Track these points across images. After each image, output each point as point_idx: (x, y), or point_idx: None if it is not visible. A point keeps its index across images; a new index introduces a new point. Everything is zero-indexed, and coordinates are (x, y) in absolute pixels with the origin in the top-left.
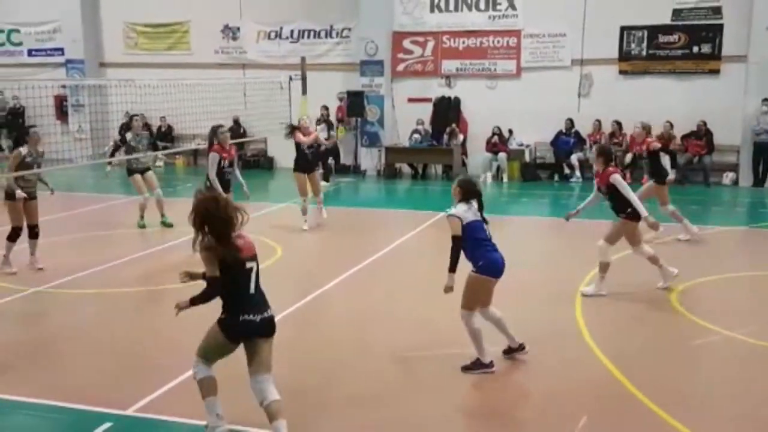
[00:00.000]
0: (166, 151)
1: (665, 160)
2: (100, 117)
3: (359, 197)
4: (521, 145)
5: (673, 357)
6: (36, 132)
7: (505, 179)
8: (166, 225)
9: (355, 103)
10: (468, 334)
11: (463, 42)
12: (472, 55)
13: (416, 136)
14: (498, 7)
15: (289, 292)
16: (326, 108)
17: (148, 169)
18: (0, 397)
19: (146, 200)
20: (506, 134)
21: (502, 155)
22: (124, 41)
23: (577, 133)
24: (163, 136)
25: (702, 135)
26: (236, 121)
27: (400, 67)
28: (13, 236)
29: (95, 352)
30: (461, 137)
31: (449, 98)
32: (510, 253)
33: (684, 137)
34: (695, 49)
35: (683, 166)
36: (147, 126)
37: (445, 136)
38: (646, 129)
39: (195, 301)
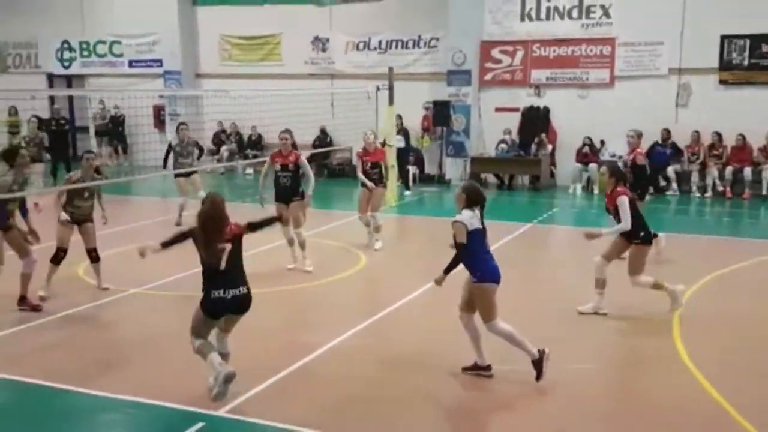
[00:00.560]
0: (255, 160)
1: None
2: (194, 126)
3: (444, 207)
4: (613, 156)
5: None
6: (91, 156)
7: (595, 191)
8: None
9: (441, 112)
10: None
11: (554, 51)
12: (563, 64)
13: (503, 145)
14: (591, 15)
15: (371, 301)
16: (400, 117)
17: (194, 172)
18: (100, 395)
19: (185, 201)
20: (597, 145)
21: (592, 166)
22: (219, 53)
23: (674, 145)
24: (253, 145)
25: None
26: (323, 131)
27: (488, 77)
28: (56, 258)
29: (188, 353)
30: (550, 147)
31: (538, 108)
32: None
33: None
34: None
35: None
36: (238, 135)
37: (533, 146)
38: (640, 137)
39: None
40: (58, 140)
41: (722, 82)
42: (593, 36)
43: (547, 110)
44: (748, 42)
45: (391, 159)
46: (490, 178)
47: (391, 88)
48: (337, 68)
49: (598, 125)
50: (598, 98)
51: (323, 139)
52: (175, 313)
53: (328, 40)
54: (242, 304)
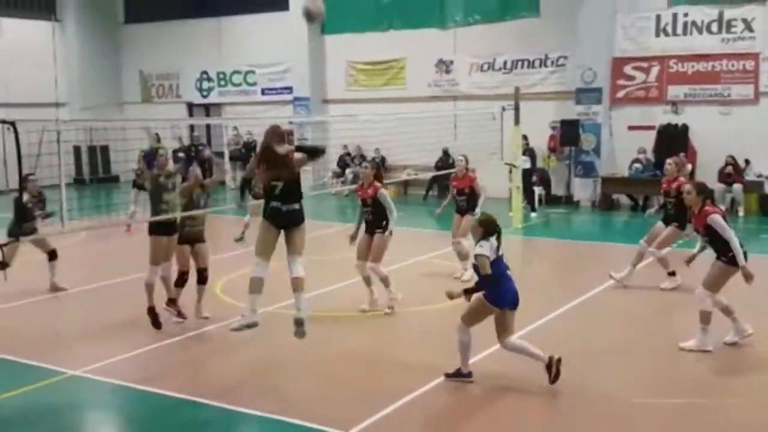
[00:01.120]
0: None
1: None
2: None
3: (572, 229)
4: (760, 176)
5: None
6: (195, 174)
7: (741, 213)
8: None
9: (569, 131)
10: (458, 344)
11: (692, 66)
12: (702, 80)
13: (637, 165)
14: (732, 29)
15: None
16: (525, 137)
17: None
18: (235, 410)
19: (250, 221)
20: (742, 164)
21: (737, 187)
22: (345, 79)
23: None
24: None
25: None
26: (445, 152)
27: (620, 94)
28: (180, 281)
29: (318, 372)
30: (689, 167)
31: (675, 125)
32: (745, 298)
33: None
34: None
35: None
36: (362, 157)
37: None
38: (679, 166)
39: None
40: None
41: None
42: (735, 51)
43: (685, 128)
44: None
45: (517, 180)
46: (623, 199)
47: (516, 108)
48: (461, 90)
49: (742, 143)
50: (741, 115)
51: (445, 160)
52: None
53: (452, 62)
54: (291, 216)
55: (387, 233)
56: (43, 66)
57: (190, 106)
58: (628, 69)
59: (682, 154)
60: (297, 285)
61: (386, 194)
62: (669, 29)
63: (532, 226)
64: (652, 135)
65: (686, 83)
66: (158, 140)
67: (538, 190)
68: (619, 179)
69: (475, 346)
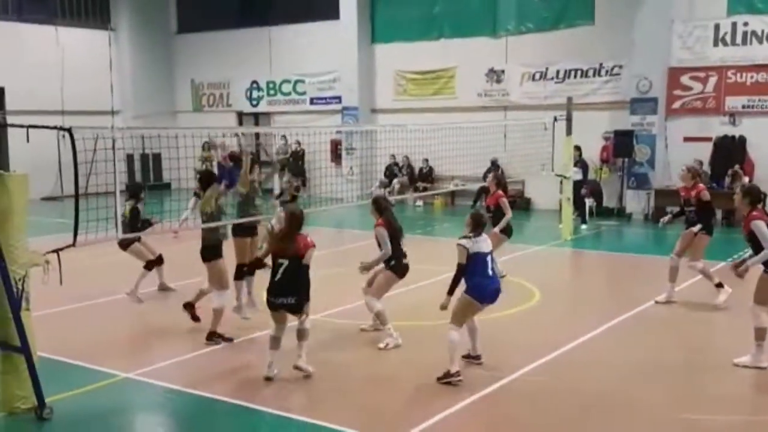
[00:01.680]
0: (424, 193)
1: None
2: (368, 160)
3: (624, 242)
4: None
5: None
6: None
7: None
8: None
9: (622, 142)
10: (448, 344)
11: (752, 77)
12: (762, 91)
13: None
14: None
15: (545, 339)
16: (578, 148)
17: None
18: (283, 415)
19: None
20: None
21: None
22: (394, 88)
23: None
24: (424, 177)
25: None
26: (493, 163)
27: (676, 105)
28: (240, 274)
29: (367, 380)
30: (746, 180)
31: (733, 137)
32: None
33: None
34: None
35: None
36: (410, 167)
37: (727, 179)
38: (693, 173)
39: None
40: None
41: None
42: None
43: (743, 140)
44: None
45: (567, 191)
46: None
47: (569, 119)
48: (512, 100)
49: None
50: None
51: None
52: (344, 341)
53: (503, 71)
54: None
55: (389, 270)
56: (98, 75)
57: (240, 115)
58: (684, 79)
59: (737, 166)
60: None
61: (382, 231)
62: (728, 38)
63: (582, 239)
64: (708, 147)
65: (745, 94)
66: (208, 148)
67: (589, 202)
68: (673, 192)
69: (520, 360)
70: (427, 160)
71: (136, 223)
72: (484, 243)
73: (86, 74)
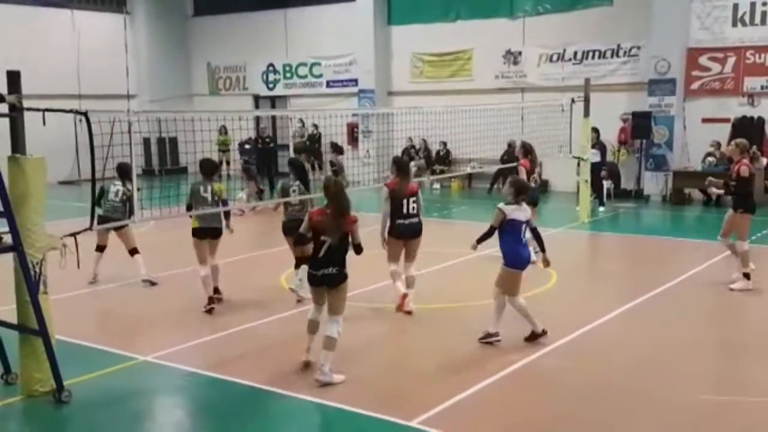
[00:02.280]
0: (442, 176)
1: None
2: (384, 143)
3: (641, 224)
4: None
5: None
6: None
7: None
8: None
9: (640, 124)
10: (493, 308)
11: None
12: None
13: (710, 159)
14: None
15: (562, 321)
16: (596, 130)
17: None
18: (302, 398)
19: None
20: None
21: None
22: (410, 71)
23: None
24: (442, 160)
25: None
26: (510, 145)
27: (695, 86)
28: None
29: (385, 363)
30: (764, 161)
31: (751, 118)
32: None
33: None
34: None
35: None
36: (427, 150)
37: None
38: (741, 147)
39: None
40: (263, 158)
41: None
42: None
43: (762, 121)
44: None
45: (585, 174)
46: (695, 194)
47: (587, 100)
48: (529, 81)
49: None
50: None
51: (512, 153)
52: (370, 324)
53: (520, 53)
54: (327, 279)
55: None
56: (114, 58)
57: (257, 99)
58: (703, 60)
59: (755, 147)
60: (326, 344)
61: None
62: (746, 18)
63: (600, 221)
64: (726, 128)
65: (763, 75)
66: (225, 132)
67: (606, 184)
68: (691, 173)
69: (538, 342)
70: (444, 143)
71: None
72: (522, 212)
73: (102, 58)
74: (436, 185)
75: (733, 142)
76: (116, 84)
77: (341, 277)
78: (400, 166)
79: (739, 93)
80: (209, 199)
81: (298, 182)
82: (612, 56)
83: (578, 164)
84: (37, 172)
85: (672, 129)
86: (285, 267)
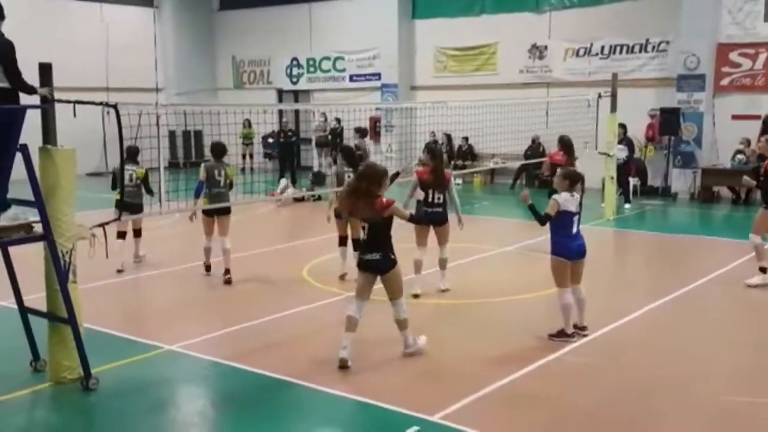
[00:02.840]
0: (464, 171)
1: None
2: (406, 138)
3: (669, 222)
4: None
5: None
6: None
7: None
8: None
9: (668, 120)
10: (561, 306)
11: None
12: None
13: (740, 156)
14: None
15: (588, 318)
16: (623, 126)
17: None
18: (324, 390)
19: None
20: None
21: None
22: (434, 65)
23: None
24: (464, 155)
25: None
26: (534, 140)
27: (725, 82)
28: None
29: (407, 357)
30: None
31: None
32: None
33: None
34: None
35: None
36: (449, 145)
37: None
38: None
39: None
40: (286, 151)
41: None
42: None
43: None
44: None
45: (611, 170)
46: (724, 192)
47: (614, 95)
48: (554, 76)
49: None
50: None
51: (535, 149)
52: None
53: (545, 47)
54: (374, 264)
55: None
56: (142, 52)
57: (280, 93)
58: (733, 55)
59: None
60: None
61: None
62: None
63: (625, 218)
64: (757, 125)
65: None
66: (249, 125)
67: (633, 181)
68: (720, 171)
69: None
70: (466, 139)
71: (148, 186)
72: (573, 202)
73: (131, 51)
74: (458, 180)
75: (763, 138)
76: (143, 77)
77: (385, 264)
78: (434, 154)
79: None
80: (222, 182)
81: (351, 169)
82: (640, 51)
83: (604, 160)
84: (68, 164)
85: (701, 125)
86: (309, 259)
